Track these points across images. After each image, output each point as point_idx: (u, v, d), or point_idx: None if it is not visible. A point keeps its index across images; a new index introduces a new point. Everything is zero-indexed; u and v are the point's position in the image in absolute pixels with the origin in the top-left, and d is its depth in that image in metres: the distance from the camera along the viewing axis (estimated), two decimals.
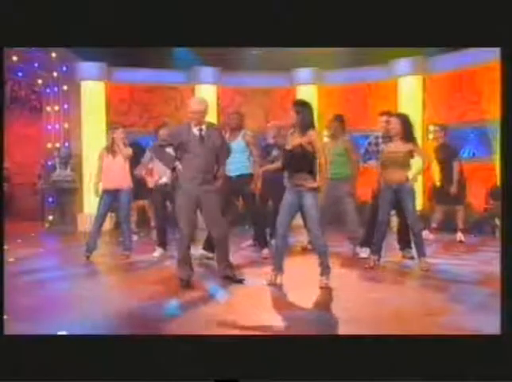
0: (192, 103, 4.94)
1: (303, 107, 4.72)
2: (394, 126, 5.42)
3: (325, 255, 4.68)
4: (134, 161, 7.18)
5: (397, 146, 5.42)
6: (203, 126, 4.79)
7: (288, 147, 4.67)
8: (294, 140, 4.64)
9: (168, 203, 6.59)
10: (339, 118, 6.57)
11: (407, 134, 5.40)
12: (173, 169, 5.02)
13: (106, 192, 6.30)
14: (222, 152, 4.99)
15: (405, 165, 5.39)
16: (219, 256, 5.03)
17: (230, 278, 4.92)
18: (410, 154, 5.39)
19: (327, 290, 4.51)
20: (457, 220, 7.90)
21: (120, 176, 6.28)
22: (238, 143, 6.20)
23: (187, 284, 4.73)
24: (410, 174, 5.38)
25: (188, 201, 4.76)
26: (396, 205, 5.60)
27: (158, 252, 6.52)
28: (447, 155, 7.57)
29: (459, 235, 7.84)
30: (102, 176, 6.35)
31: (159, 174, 6.52)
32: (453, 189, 7.34)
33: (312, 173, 4.63)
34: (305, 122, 4.63)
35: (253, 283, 4.88)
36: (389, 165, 5.45)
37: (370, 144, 6.41)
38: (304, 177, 4.60)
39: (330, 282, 4.61)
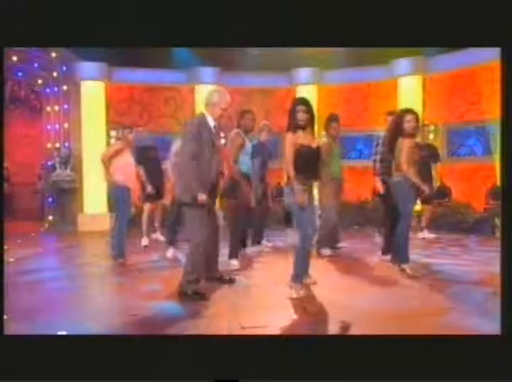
0: (222, 96, 4.48)
1: (310, 105, 4.46)
2: (411, 124, 5.20)
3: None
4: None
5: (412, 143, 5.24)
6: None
7: (314, 145, 4.39)
8: (313, 139, 4.43)
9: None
10: (337, 118, 6.51)
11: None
12: None
13: (121, 187, 6.09)
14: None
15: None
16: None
17: (220, 279, 4.83)
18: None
19: (326, 291, 4.51)
20: (424, 218, 8.32)
21: (132, 175, 6.29)
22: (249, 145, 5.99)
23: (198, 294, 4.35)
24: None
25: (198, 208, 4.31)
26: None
27: (171, 252, 6.56)
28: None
29: (424, 233, 8.18)
30: (118, 171, 6.11)
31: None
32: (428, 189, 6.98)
33: (318, 172, 4.53)
34: (314, 122, 4.46)
35: (253, 283, 4.88)
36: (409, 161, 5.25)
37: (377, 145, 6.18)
38: (313, 177, 4.47)
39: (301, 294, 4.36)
